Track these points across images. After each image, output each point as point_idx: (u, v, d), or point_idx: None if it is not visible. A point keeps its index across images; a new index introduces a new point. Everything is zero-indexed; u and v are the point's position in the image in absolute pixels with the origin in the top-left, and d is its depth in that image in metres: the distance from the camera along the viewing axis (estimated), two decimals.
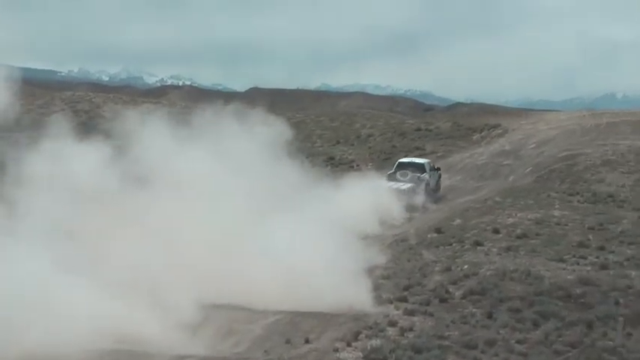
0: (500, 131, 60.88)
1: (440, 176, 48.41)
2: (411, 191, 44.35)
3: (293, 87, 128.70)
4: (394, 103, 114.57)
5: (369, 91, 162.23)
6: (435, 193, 46.72)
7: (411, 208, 42.83)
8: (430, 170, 46.94)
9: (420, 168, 46.67)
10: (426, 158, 50.61)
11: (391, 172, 46.87)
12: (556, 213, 38.83)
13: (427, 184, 45.82)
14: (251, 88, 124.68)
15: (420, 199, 44.26)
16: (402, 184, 44.94)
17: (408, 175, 45.64)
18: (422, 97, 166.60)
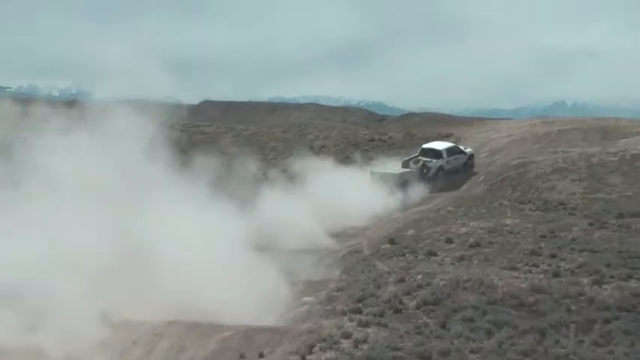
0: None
1: (470, 157, 52.78)
2: (402, 176, 49.19)
3: (246, 99, 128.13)
4: (347, 113, 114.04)
5: (322, 102, 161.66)
6: (458, 172, 51.65)
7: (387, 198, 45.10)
8: (451, 155, 51.40)
9: (437, 154, 51.34)
10: (451, 142, 54.99)
11: (410, 157, 51.90)
12: (508, 221, 39.04)
13: (439, 169, 50.76)
14: (203, 101, 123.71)
15: (414, 182, 48.81)
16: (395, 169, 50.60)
17: (419, 161, 50.88)
18: (375, 108, 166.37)
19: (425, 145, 53.16)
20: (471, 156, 52.98)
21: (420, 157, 51.42)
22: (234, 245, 29.76)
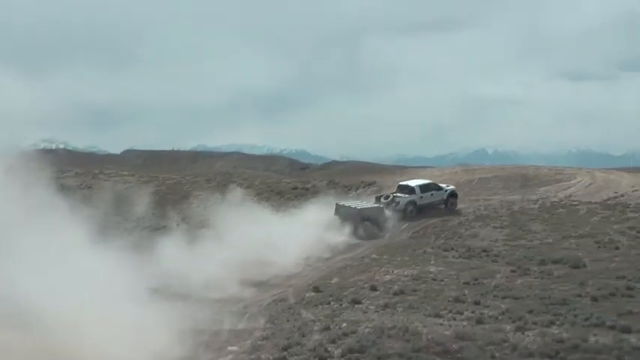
0: (375, 188, 61.42)
1: (451, 194, 54.20)
2: (362, 212, 50.41)
3: (169, 148, 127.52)
4: (271, 162, 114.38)
5: (246, 150, 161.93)
6: (438, 208, 53.17)
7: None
8: (425, 191, 53.28)
9: (410, 190, 53.42)
10: (428, 180, 56.49)
11: (381, 194, 54.35)
12: (432, 269, 39.27)
13: (409, 204, 52.57)
14: (126, 150, 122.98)
15: (377, 218, 50.56)
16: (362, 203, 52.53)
17: (389, 197, 52.85)
18: (298, 156, 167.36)
19: (401, 182, 55.65)
20: (452, 194, 54.28)
21: (393, 193, 53.54)
22: (131, 297, 29.43)
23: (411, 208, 52.62)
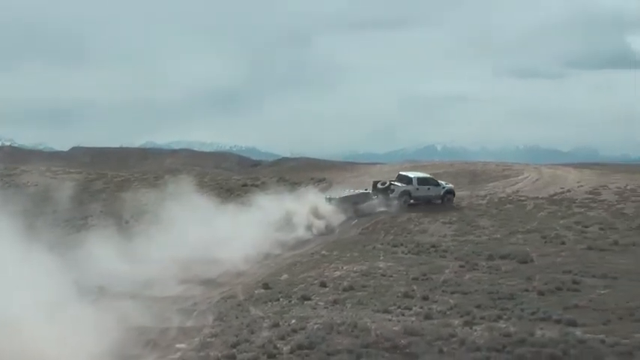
0: (325, 184, 61.45)
1: (448, 192, 54.32)
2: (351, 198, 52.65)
3: (117, 145, 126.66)
4: (220, 159, 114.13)
5: (195, 147, 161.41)
6: (435, 203, 53.64)
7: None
8: (422, 184, 53.99)
9: (408, 180, 54.25)
10: (428, 174, 57.08)
11: (378, 180, 55.47)
12: (381, 264, 39.42)
13: (404, 193, 53.42)
14: (73, 147, 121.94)
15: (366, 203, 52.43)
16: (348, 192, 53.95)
17: (386, 184, 54.07)
18: (248, 153, 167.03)
19: (401, 172, 56.80)
20: (450, 191, 54.64)
21: (391, 181, 54.62)
22: (74, 296, 29.29)
23: (405, 197, 53.47)
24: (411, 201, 53.43)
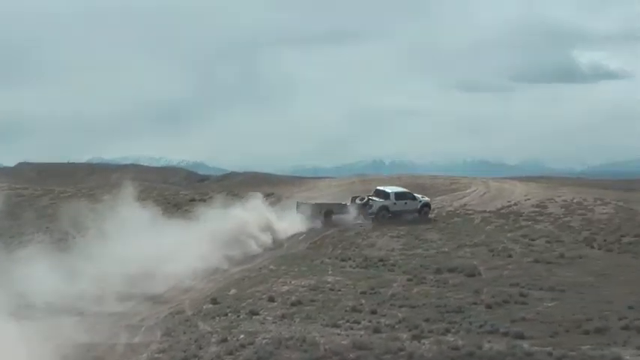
0: (273, 199, 61.35)
1: (425, 205, 54.77)
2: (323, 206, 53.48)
3: (64, 161, 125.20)
4: (168, 174, 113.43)
5: (143, 162, 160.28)
6: (412, 216, 54.01)
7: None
8: (399, 199, 54.31)
9: (385, 195, 54.66)
10: (405, 189, 57.11)
11: (357, 196, 55.65)
12: (330, 279, 39.39)
13: (382, 208, 53.68)
14: (20, 163, 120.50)
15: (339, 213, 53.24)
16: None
17: (364, 199, 54.38)
18: (196, 168, 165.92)
19: (378, 187, 56.77)
20: (426, 204, 55.00)
21: (369, 196, 54.91)
22: (18, 313, 28.97)
23: (383, 212, 53.77)
24: (389, 215, 53.61)
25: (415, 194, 55.86)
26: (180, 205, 62.60)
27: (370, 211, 53.48)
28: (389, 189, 55.65)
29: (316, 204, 53.74)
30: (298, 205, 53.95)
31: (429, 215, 54.18)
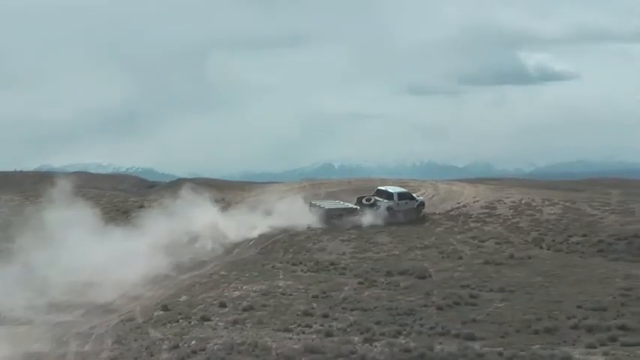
0: (223, 204, 61.15)
1: (420, 204, 56.00)
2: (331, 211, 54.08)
3: (11, 169, 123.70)
4: (117, 181, 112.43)
5: (92, 170, 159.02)
6: (403, 216, 54.82)
7: None
8: (402, 199, 55.37)
9: (389, 195, 55.79)
10: (404, 189, 58.58)
11: (363, 196, 56.50)
12: (281, 283, 39.38)
13: (389, 208, 54.66)
14: None
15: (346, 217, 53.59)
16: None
17: (371, 200, 55.40)
18: (145, 174, 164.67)
19: (380, 187, 57.98)
20: (422, 203, 56.41)
21: (374, 197, 55.92)
22: None
23: (391, 212, 54.67)
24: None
25: (413, 194, 57.04)
26: (129, 212, 62.21)
27: (378, 211, 54.18)
28: (391, 189, 56.88)
29: (329, 209, 54.26)
30: (311, 205, 55.10)
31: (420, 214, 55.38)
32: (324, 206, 54.86)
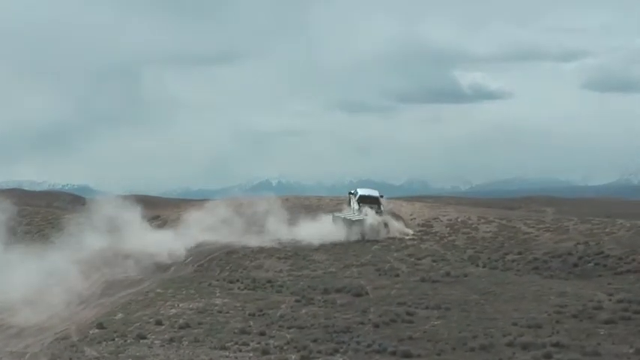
0: (159, 222, 60.92)
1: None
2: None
3: None
4: (52, 198, 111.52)
5: (25, 187, 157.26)
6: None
7: None
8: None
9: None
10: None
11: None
12: (217, 301, 39.21)
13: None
14: None
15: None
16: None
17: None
18: (80, 191, 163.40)
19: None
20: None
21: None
22: None
23: None
24: None
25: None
26: (64, 230, 61.52)
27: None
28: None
29: (348, 219, 55.46)
30: (334, 218, 56.42)
31: None
32: (350, 218, 55.83)
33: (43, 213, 73.38)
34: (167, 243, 51.85)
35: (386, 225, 54.50)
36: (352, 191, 60.62)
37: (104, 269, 46.97)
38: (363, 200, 57.45)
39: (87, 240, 51.02)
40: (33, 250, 48.32)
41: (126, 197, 63.33)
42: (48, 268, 44.22)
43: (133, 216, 57.25)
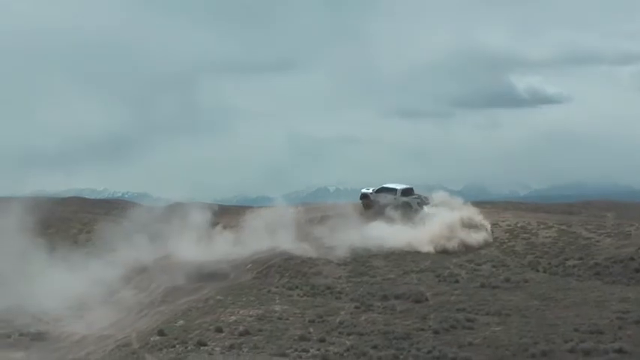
0: (219, 229, 60.98)
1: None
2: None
3: (5, 195, 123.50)
4: (112, 206, 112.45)
5: (86, 195, 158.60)
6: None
7: None
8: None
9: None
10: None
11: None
12: (277, 308, 39.27)
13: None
14: None
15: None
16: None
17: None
18: (140, 199, 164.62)
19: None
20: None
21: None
22: None
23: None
24: None
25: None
26: (122, 237, 62.04)
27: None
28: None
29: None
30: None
31: None
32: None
33: (103, 220, 73.97)
34: (226, 250, 52.02)
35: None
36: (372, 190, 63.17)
37: (163, 276, 47.28)
38: (405, 193, 59.88)
39: (145, 247, 51.41)
40: (93, 258, 48.86)
41: (185, 204, 63.80)
42: (107, 276, 44.71)
43: (192, 223, 57.58)
